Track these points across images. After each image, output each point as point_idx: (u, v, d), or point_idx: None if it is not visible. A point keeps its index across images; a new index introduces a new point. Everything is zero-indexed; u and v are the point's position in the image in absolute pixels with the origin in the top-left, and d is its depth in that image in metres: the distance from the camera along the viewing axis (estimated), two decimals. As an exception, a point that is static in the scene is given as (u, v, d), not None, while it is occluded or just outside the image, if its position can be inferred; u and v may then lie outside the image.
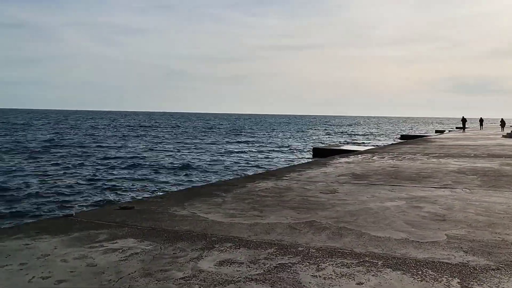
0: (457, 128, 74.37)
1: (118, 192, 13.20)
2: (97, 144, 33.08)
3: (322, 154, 26.44)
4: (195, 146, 32.87)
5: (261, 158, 25.37)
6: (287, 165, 14.00)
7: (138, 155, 24.29)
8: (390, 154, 15.32)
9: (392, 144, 22.30)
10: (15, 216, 9.37)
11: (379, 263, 3.47)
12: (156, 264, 3.56)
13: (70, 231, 4.62)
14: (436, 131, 65.53)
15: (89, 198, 12.04)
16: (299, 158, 26.12)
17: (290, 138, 49.29)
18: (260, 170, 18.45)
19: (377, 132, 69.65)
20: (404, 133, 58.88)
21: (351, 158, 13.63)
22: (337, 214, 5.33)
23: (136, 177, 16.01)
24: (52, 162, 21.00)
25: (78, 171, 17.77)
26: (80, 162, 21.18)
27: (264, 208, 5.77)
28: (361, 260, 3.56)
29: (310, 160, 24.81)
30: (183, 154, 26.06)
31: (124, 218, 5.23)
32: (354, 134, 62.15)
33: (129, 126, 74.94)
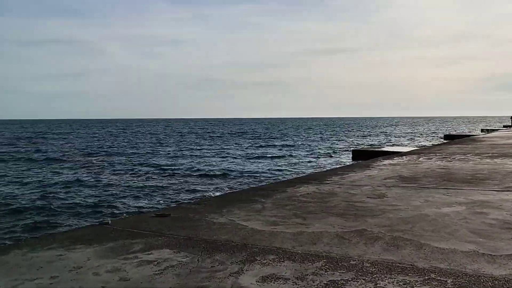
0: (504, 126, 70.93)
1: (155, 198, 13.06)
2: (133, 151, 33.43)
3: (362, 156, 25.63)
4: (230, 150, 32.66)
5: (298, 161, 24.86)
6: (328, 169, 13.37)
7: (174, 161, 24.28)
8: (437, 155, 14.51)
9: (437, 144, 21.28)
10: (51, 224, 9.30)
11: (448, 282, 2.98)
12: (192, 279, 3.23)
13: (105, 241, 4.38)
14: (482, 130, 62.72)
15: (126, 205, 11.91)
16: (338, 161, 25.42)
17: (327, 141, 48.44)
18: (298, 175, 17.99)
19: (417, 133, 67.45)
20: (447, 133, 56.73)
21: (395, 160, 12.96)
22: (389, 222, 4.84)
23: (172, 182, 15.86)
24: (91, 168, 21.25)
25: (113, 177, 17.83)
26: (116, 168, 21.31)
27: (307, 215, 5.35)
28: (426, 277, 3.08)
29: (350, 162, 24.12)
30: (219, 159, 25.89)
31: (160, 227, 4.96)
32: (393, 135, 60.39)
33: (165, 133, 76.13)
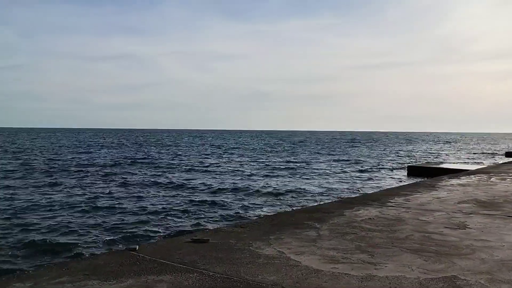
0: None
1: (195, 217, 11.90)
2: (171, 163, 32.60)
3: (419, 173, 23.85)
4: (275, 165, 31.42)
5: (351, 177, 23.37)
6: (387, 188, 11.81)
7: (217, 176, 23.29)
8: (510, 175, 12.88)
9: (505, 163, 19.34)
10: (69, 247, 8.40)
11: None
12: None
13: (126, 275, 3.59)
14: (548, 148, 58.29)
15: (161, 225, 10.81)
16: (393, 177, 23.77)
17: (379, 155, 46.38)
18: (353, 193, 16.63)
19: (475, 149, 63.47)
20: (508, 150, 52.86)
21: (463, 180, 11.54)
22: (486, 266, 3.74)
23: (214, 200, 14.66)
24: (125, 181, 20.48)
25: (149, 191, 16.93)
26: (150, 181, 20.42)
27: (374, 250, 4.33)
28: None
29: (406, 179, 22.45)
30: (266, 174, 24.72)
31: (194, 257, 4.12)
32: (448, 151, 57.09)
33: (214, 145, 76.01)
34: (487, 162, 34.50)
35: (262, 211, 13.06)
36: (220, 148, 60.85)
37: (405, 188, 9.75)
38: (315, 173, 25.65)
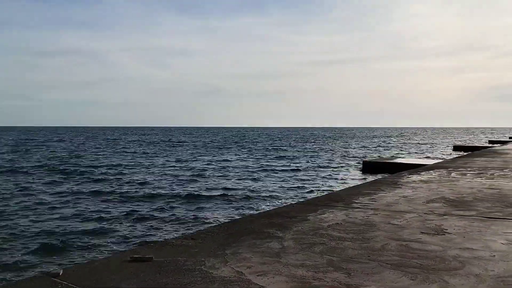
0: (510, 138, 68.81)
1: (137, 229, 10.48)
2: (119, 161, 30.70)
3: (374, 169, 23.83)
4: (230, 163, 30.24)
5: (307, 174, 22.85)
6: (348, 186, 11.04)
7: (166, 177, 21.70)
8: (468, 169, 12.80)
9: (459, 157, 19.54)
10: None
11: None
12: None
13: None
14: (490, 141, 60.83)
15: (95, 241, 9.28)
16: (348, 173, 23.62)
17: (333, 151, 46.68)
18: (312, 192, 16.00)
19: (423, 143, 65.53)
20: (456, 144, 54.88)
21: (424, 176, 11.27)
22: (484, 286, 3.14)
23: (161, 207, 13.21)
24: (61, 183, 18.66)
25: (81, 201, 14.43)
26: (83, 187, 17.86)
27: (350, 265, 3.67)
28: None
29: (361, 175, 22.34)
30: (219, 174, 23.00)
31: (132, 283, 3.29)
32: (401, 145, 58.50)
33: (163, 141, 73.88)
34: (439, 156, 35.39)
35: (217, 217, 12.10)
36: (171, 145, 59.30)
37: (368, 187, 9.26)
38: (270, 171, 24.93)
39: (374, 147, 55.63)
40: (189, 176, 22.00)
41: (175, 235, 9.56)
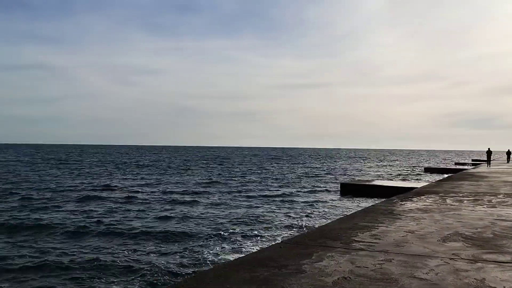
0: (473, 160, 70.00)
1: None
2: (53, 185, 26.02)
3: (353, 191, 22.64)
4: (191, 189, 24.81)
5: (283, 200, 20.54)
6: (340, 217, 8.34)
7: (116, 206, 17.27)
8: (460, 195, 11.71)
9: (442, 180, 18.58)
10: None
11: None
12: None
13: None
14: (457, 164, 61.51)
15: None
16: (327, 196, 22.25)
17: (306, 173, 45.54)
18: (293, 223, 13.77)
19: (393, 165, 65.55)
20: (427, 166, 54.97)
21: (419, 203, 10.04)
22: None
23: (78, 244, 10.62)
24: None
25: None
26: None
27: None
28: None
29: (340, 198, 21.05)
30: (180, 200, 19.27)
31: None
32: (369, 167, 58.11)
33: (125, 162, 70.49)
34: (414, 178, 34.72)
35: (164, 255, 9.73)
36: (125, 165, 56.83)
37: (362, 217, 7.88)
38: (241, 195, 22.83)
39: (344, 168, 54.97)
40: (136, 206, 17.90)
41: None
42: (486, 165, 37.78)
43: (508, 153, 49.17)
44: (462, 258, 4.72)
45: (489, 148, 39.13)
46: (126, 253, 10.22)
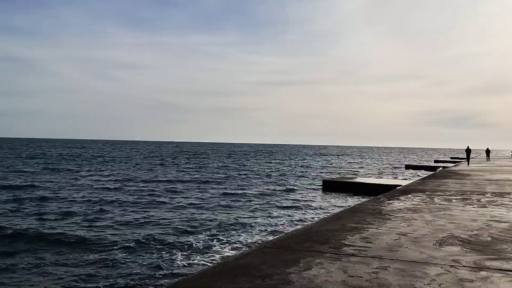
0: (451, 158, 70.90)
1: None
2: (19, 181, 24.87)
3: (335, 188, 22.31)
4: (168, 186, 23.03)
5: (261, 199, 19.60)
6: (327, 216, 7.43)
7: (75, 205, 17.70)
8: (447, 194, 11.41)
9: (426, 178, 18.38)
10: None
11: None
12: None
13: None
14: (436, 161, 62.12)
15: None
16: (308, 193, 21.83)
17: (286, 169, 45.20)
18: (277, 222, 12.85)
19: (373, 162, 65.81)
20: (408, 163, 55.35)
21: (406, 202, 9.68)
22: None
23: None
24: None
25: None
26: None
27: None
28: None
29: (322, 195, 20.67)
30: (147, 201, 17.46)
31: None
32: (351, 163, 58.16)
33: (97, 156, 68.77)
34: (396, 175, 34.68)
35: (135, 279, 7.60)
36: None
37: (350, 218, 7.43)
38: (218, 193, 21.87)
39: (324, 164, 54.85)
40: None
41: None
42: (466, 163, 38.07)
43: (487, 151, 49.80)
44: (463, 266, 4.30)
45: (468, 147, 39.35)
46: (81, 265, 8.31)
